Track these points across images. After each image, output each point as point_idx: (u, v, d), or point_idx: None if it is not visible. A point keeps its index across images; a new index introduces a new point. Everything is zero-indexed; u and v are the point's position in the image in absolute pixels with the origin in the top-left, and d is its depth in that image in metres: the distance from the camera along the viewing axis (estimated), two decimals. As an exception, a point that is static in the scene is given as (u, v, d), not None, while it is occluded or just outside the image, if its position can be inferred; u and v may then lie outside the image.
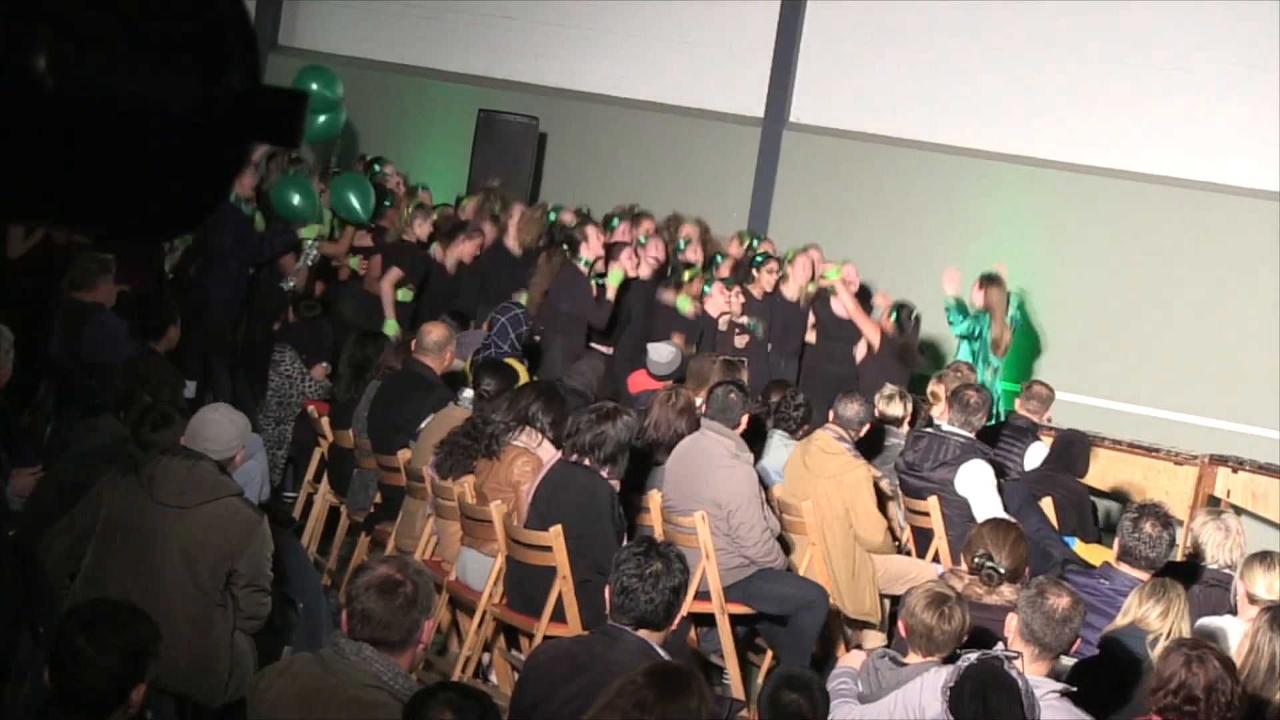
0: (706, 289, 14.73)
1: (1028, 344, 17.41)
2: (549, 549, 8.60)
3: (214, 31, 1.98)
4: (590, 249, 14.14)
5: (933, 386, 12.84)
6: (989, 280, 14.72)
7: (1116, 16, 17.44)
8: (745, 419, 10.11)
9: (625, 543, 8.69)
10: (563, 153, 19.30)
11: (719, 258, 15.48)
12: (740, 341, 14.73)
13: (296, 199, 14.42)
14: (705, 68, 19.12)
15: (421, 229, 14.76)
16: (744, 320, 14.74)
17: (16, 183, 1.90)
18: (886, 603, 10.46)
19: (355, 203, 14.77)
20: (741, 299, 14.88)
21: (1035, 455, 12.25)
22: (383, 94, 19.57)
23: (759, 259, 15.46)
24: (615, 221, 15.57)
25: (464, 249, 15.07)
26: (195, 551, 7.15)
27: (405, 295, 14.48)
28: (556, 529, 8.55)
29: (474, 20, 19.94)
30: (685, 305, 14.37)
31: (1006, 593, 7.12)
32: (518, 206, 15.77)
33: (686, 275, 14.63)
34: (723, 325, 14.72)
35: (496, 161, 18.02)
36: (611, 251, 14.41)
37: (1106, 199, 17.31)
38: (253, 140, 2.06)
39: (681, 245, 15.54)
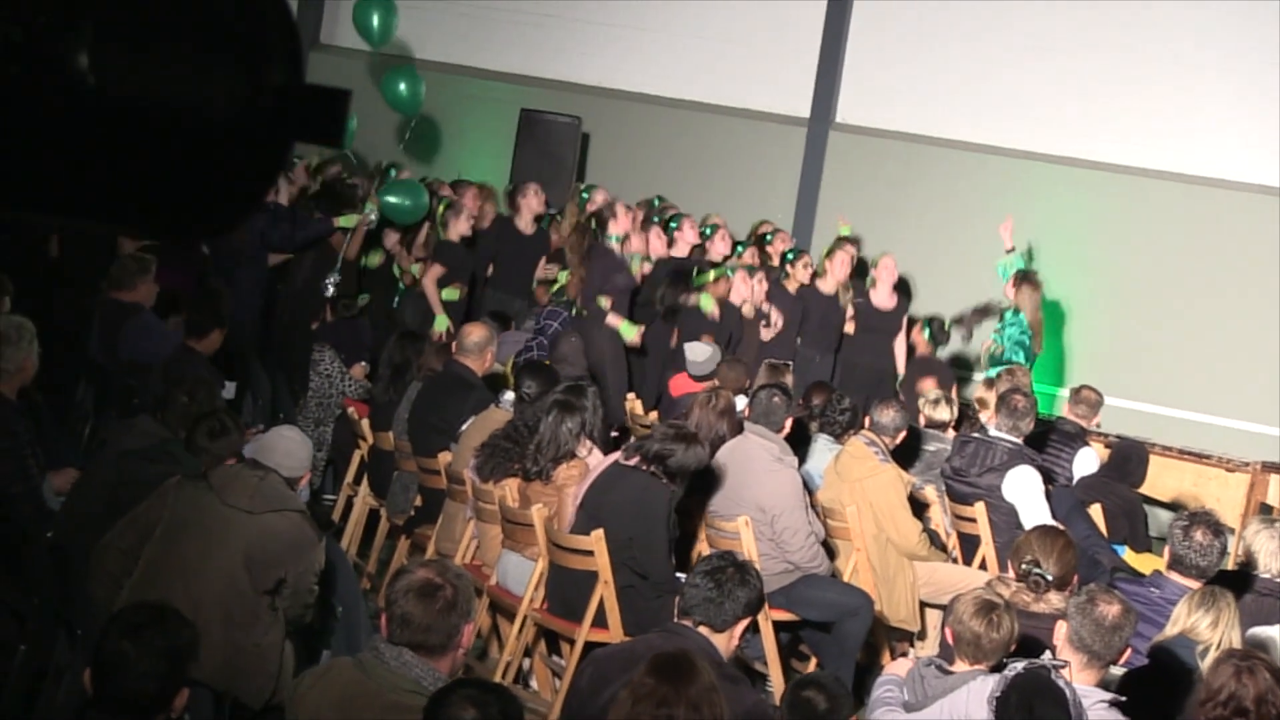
0: (730, 273, 14.62)
1: (1073, 347, 17.35)
2: (591, 553, 8.60)
3: (256, 29, 1.98)
4: (619, 225, 14.10)
5: (980, 393, 12.78)
6: (1023, 278, 14.67)
7: (1169, 14, 17.35)
8: (789, 422, 10.10)
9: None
10: (606, 153, 19.29)
11: (740, 248, 15.42)
12: (766, 334, 14.66)
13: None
14: (750, 67, 19.09)
15: (459, 227, 14.72)
16: (767, 309, 14.65)
17: (56, 182, 1.90)
18: (933, 612, 10.43)
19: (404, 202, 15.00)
20: (765, 285, 14.79)
21: (1084, 461, 12.20)
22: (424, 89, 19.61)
23: (790, 254, 15.41)
24: (673, 225, 15.57)
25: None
26: (257, 554, 7.25)
27: (451, 295, 14.46)
28: (599, 533, 8.54)
29: (515, 18, 19.95)
30: (708, 305, 14.22)
31: (1054, 600, 7.08)
32: (530, 187, 15.77)
33: (712, 275, 14.49)
34: (747, 312, 14.61)
35: (538, 162, 18.02)
36: (610, 211, 14.29)
37: (1156, 200, 17.22)
38: (295, 139, 2.06)
39: (708, 231, 15.46)
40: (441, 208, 14.87)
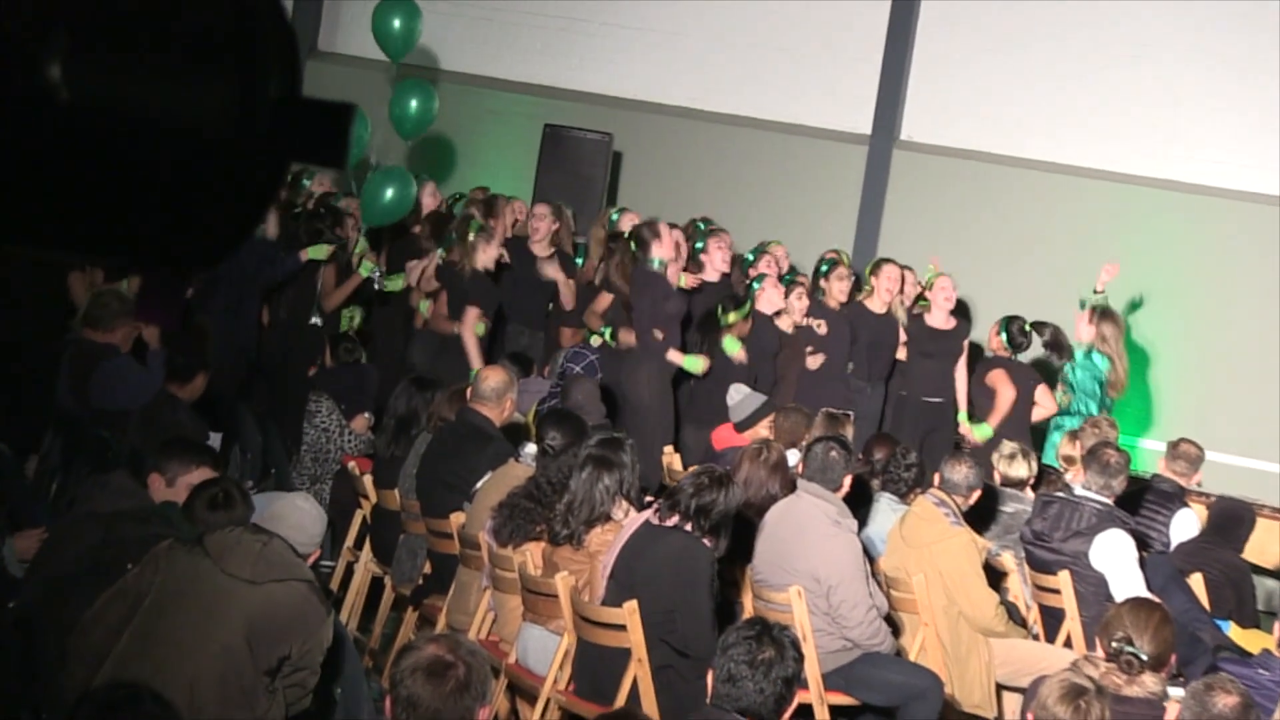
0: (756, 285, 14.54)
1: (1161, 392, 17.29)
2: (623, 628, 8.58)
3: (250, 37, 1.98)
4: (663, 247, 14.03)
5: (1065, 449, 12.73)
6: (1103, 314, 14.64)
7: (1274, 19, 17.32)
8: (848, 481, 10.06)
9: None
10: (640, 174, 19.32)
11: (786, 278, 15.33)
12: (814, 362, 14.60)
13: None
14: (804, 78, 19.12)
15: (487, 254, 14.71)
16: (808, 321, 14.57)
17: (26, 207, 1.90)
18: (1011, 696, 10.38)
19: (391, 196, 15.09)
20: (805, 300, 14.73)
21: (1183, 524, 12.16)
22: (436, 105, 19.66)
23: (825, 266, 15.34)
24: (699, 246, 15.59)
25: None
26: (258, 628, 7.21)
27: (477, 330, 14.45)
28: (632, 605, 8.52)
29: (539, 24, 20.01)
30: (733, 348, 14.13)
31: (1149, 683, 7.05)
32: (547, 208, 15.82)
33: (732, 316, 14.37)
34: (785, 325, 14.60)
35: (564, 183, 18.05)
36: (651, 232, 14.21)
37: (1259, 229, 17.15)
38: (292, 159, 2.06)
39: (750, 257, 15.42)
40: (471, 231, 14.79)
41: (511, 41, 20.12)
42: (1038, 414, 14.52)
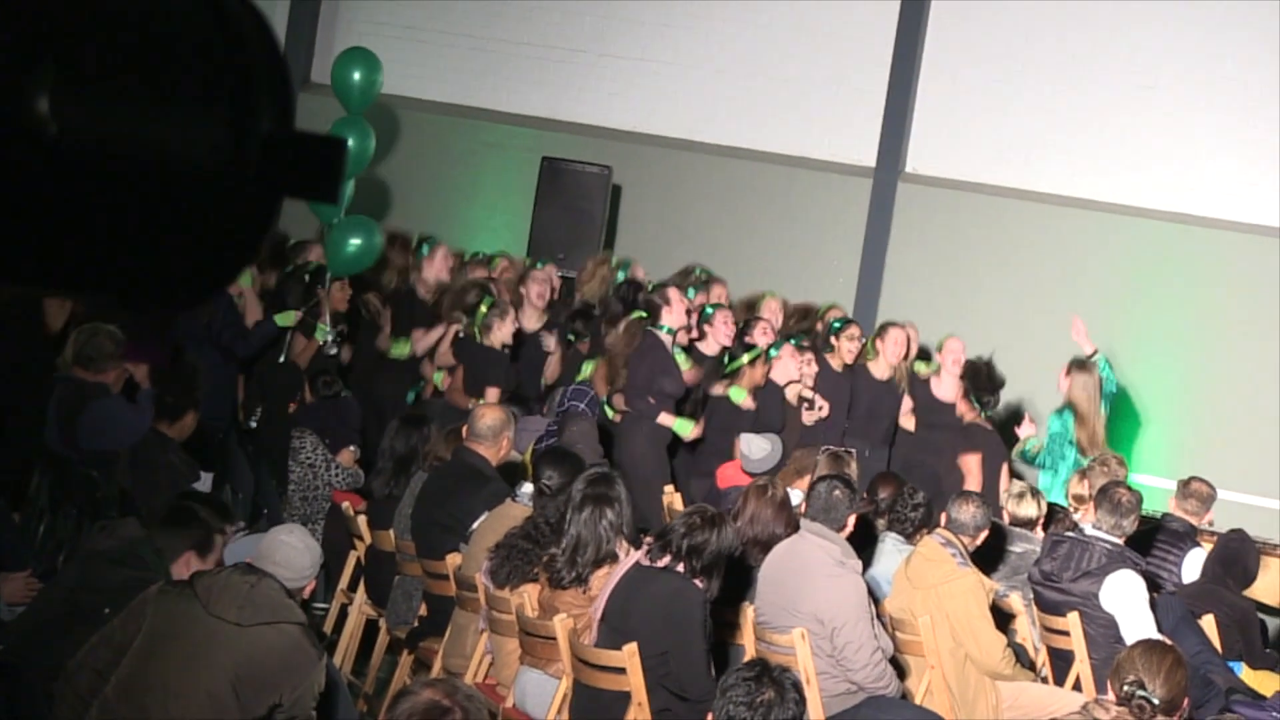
0: (774, 351, 14.60)
1: (1173, 428, 17.26)
2: (623, 671, 8.56)
3: (241, 70, 1.98)
4: (673, 315, 14.07)
5: (1075, 488, 12.71)
6: (1076, 367, 14.61)
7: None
8: (852, 520, 10.05)
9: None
10: (640, 207, 19.31)
11: (796, 339, 15.35)
12: (809, 418, 14.63)
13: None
14: (807, 110, 19.12)
15: (502, 332, 14.71)
16: (810, 394, 14.63)
17: (11, 244, 1.90)
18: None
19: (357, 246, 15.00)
20: (815, 367, 14.78)
21: (1194, 564, 12.13)
22: (430, 138, 19.66)
23: (837, 324, 15.38)
24: (692, 292, 15.58)
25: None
26: (246, 673, 7.18)
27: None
28: (631, 647, 8.51)
29: (537, 54, 20.01)
30: (739, 396, 14.20)
31: (1161, 727, 7.04)
32: (542, 274, 15.82)
33: (746, 358, 14.42)
34: (790, 396, 14.63)
35: (563, 218, 18.04)
36: (663, 299, 14.24)
37: (1272, 263, 17.16)
38: (284, 194, 2.06)
39: (740, 326, 15.44)
40: (484, 307, 14.76)
41: (509, 73, 20.11)
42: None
